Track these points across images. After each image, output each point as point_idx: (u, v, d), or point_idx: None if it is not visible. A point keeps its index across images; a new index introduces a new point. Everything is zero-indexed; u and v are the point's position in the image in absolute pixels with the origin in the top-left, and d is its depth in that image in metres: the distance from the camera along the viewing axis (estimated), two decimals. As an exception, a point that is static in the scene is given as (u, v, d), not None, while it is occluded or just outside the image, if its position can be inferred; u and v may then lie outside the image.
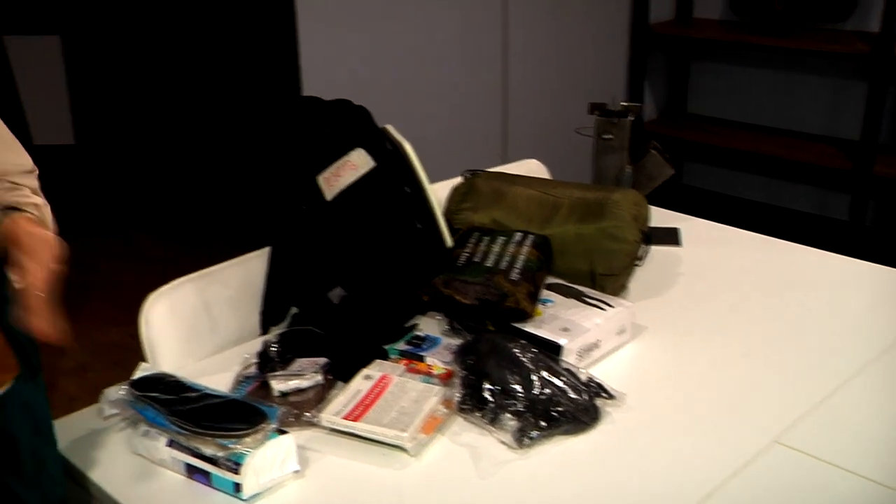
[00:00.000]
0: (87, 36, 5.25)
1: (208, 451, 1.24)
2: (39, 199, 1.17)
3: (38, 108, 5.14)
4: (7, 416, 1.13)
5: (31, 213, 1.14)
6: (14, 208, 1.14)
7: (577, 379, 1.41)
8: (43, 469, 1.19)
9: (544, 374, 1.38)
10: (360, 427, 1.33)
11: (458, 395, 1.39)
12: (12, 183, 1.16)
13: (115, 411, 1.37)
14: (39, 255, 1.06)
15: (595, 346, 1.55)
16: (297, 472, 1.27)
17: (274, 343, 1.53)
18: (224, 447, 1.23)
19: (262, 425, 1.25)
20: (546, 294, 1.66)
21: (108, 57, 5.29)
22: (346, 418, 1.34)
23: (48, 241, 1.08)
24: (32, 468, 1.16)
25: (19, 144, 1.20)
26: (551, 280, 1.72)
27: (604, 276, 1.74)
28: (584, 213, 1.77)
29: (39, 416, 1.20)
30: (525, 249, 1.68)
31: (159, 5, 5.00)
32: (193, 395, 1.34)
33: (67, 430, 1.36)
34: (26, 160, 1.20)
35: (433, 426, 1.35)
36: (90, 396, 1.40)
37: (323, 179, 1.69)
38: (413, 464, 1.30)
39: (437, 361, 1.53)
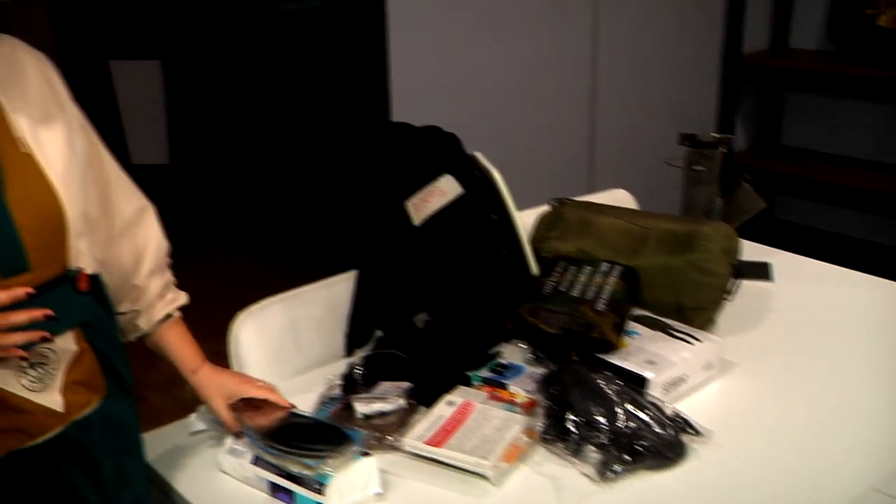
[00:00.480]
0: (185, 61, 5.46)
1: (295, 469, 1.26)
2: (165, 279, 1.34)
3: (137, 129, 5.36)
4: (91, 434, 1.16)
5: (175, 315, 1.35)
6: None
7: (663, 413, 1.39)
8: (127, 486, 1.22)
9: (629, 406, 1.37)
10: (441, 453, 1.34)
11: (540, 424, 1.38)
12: (137, 285, 1.29)
13: (202, 427, 1.41)
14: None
15: (681, 380, 1.53)
16: (378, 494, 1.29)
17: (358, 366, 1.56)
18: (309, 467, 1.25)
19: (348, 447, 1.27)
20: (632, 326, 1.64)
21: (204, 81, 5.49)
22: (428, 443, 1.35)
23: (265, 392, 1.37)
24: (114, 484, 1.19)
25: (130, 184, 1.31)
26: (638, 312, 1.71)
27: (692, 310, 1.72)
28: (672, 245, 1.76)
29: (129, 435, 1.24)
30: (612, 280, 1.67)
31: (254, 33, 5.17)
32: (284, 416, 1.36)
33: (155, 443, 1.41)
34: (139, 200, 1.31)
35: (515, 455, 1.35)
36: (176, 411, 1.45)
37: (411, 205, 1.72)
38: (494, 492, 1.30)
39: (520, 390, 1.52)
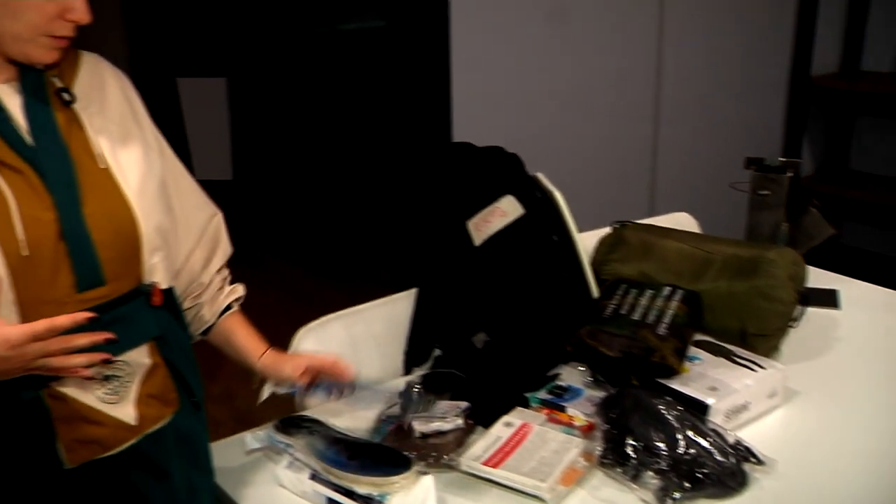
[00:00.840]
0: (250, 78, 5.57)
1: (362, 490, 1.27)
2: (224, 274, 1.39)
3: (201, 145, 5.49)
4: (163, 449, 1.17)
5: (235, 307, 1.40)
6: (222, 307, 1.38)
7: (725, 441, 1.38)
8: (196, 499, 1.24)
9: (690, 433, 1.36)
10: (499, 474, 1.34)
11: (599, 448, 1.38)
12: (201, 283, 1.34)
13: (257, 445, 1.44)
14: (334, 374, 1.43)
15: (744, 407, 1.51)
16: (437, 514, 1.30)
17: (417, 384, 1.57)
18: (376, 485, 1.26)
19: (413, 469, 1.29)
20: (694, 351, 1.63)
21: (268, 98, 5.60)
22: (485, 464, 1.35)
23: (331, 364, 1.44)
24: (185, 498, 1.21)
25: (201, 193, 1.36)
26: (700, 337, 1.69)
27: (755, 336, 1.70)
28: (737, 271, 1.74)
29: (198, 449, 1.26)
30: (674, 304, 1.66)
31: (318, 51, 5.25)
32: (338, 435, 1.39)
33: (213, 456, 1.40)
34: (209, 208, 1.36)
35: (573, 478, 1.35)
36: (235, 423, 1.48)
37: (472, 225, 1.73)
38: (551, 515, 1.30)
39: (578, 413, 1.52)
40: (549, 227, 1.78)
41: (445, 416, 1.47)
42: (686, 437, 1.35)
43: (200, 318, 1.37)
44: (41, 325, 0.99)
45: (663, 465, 1.33)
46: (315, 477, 1.32)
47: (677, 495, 1.29)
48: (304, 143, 5.55)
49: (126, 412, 1.12)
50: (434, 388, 1.58)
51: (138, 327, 1.13)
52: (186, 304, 1.34)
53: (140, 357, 1.14)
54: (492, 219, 1.74)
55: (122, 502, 1.14)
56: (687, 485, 1.31)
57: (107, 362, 1.07)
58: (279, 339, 1.67)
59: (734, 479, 1.33)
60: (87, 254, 1.06)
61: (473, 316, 1.76)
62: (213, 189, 1.35)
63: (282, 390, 1.46)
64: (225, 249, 1.38)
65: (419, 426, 1.46)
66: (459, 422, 1.47)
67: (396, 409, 1.54)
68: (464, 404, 1.51)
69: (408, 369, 1.76)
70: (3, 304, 1.02)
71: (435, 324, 1.77)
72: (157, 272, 1.15)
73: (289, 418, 1.45)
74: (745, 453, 1.37)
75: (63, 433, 1.08)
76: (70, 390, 1.08)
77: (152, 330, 1.16)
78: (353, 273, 4.33)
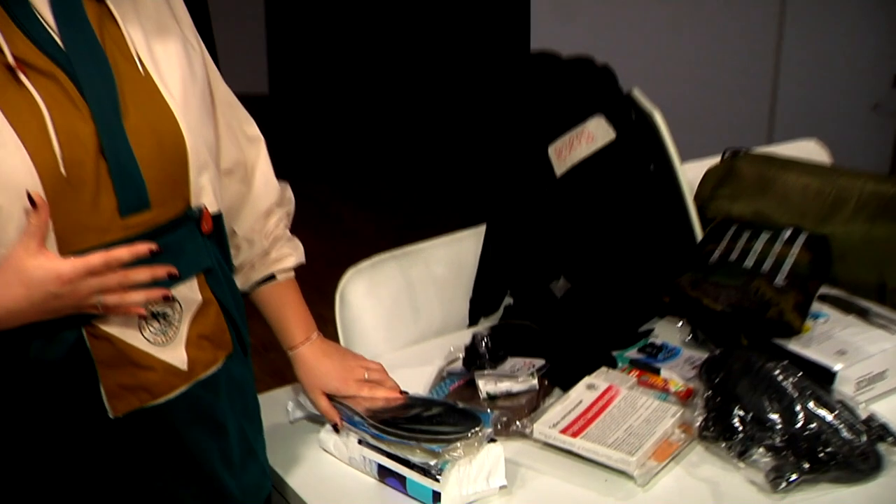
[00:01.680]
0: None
1: (416, 458, 1.28)
2: (274, 231, 1.35)
3: (232, 55, 5.51)
4: (218, 397, 1.18)
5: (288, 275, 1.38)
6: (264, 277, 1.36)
7: (854, 415, 1.36)
8: (252, 458, 1.27)
9: (811, 405, 1.34)
10: (579, 445, 1.35)
11: (699, 418, 1.38)
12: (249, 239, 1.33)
13: (302, 415, 1.46)
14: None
15: (880, 376, 1.49)
16: (503, 487, 1.31)
17: (484, 337, 1.58)
18: (433, 453, 1.27)
19: (477, 430, 1.28)
20: (818, 307, 1.61)
21: (310, 5, 5.57)
22: (563, 432, 1.36)
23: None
24: (241, 456, 1.24)
25: (244, 111, 1.34)
26: (826, 291, 1.67)
27: (897, 292, 1.67)
28: (877, 211, 1.71)
29: (250, 399, 1.28)
30: (795, 250, 1.64)
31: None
32: (392, 396, 1.39)
33: None
34: (252, 129, 1.34)
35: (667, 453, 1.34)
36: (271, 378, 1.50)
37: (553, 150, 1.72)
38: (639, 495, 1.30)
39: (675, 376, 1.52)
40: (646, 155, 1.76)
41: (517, 376, 1.48)
42: (806, 410, 1.34)
43: (247, 280, 1.36)
44: (97, 258, 1.00)
45: (777, 441, 1.32)
46: (364, 441, 1.34)
47: (794, 477, 1.28)
48: (354, 51, 5.51)
49: (176, 355, 1.14)
50: (504, 342, 1.59)
51: (188, 258, 1.13)
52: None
53: (191, 292, 1.15)
54: (577, 144, 1.73)
55: (171, 459, 1.16)
56: (806, 465, 1.29)
57: (166, 299, 1.09)
58: (323, 283, 1.68)
59: (865, 462, 1.31)
60: (130, 173, 1.06)
61: (553, 259, 1.75)
62: (247, 103, 1.34)
63: (302, 414, 1.45)
64: (269, 184, 1.34)
65: (486, 386, 1.47)
66: (533, 382, 1.47)
67: (459, 366, 1.56)
68: (539, 362, 1.51)
69: (474, 320, 1.77)
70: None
71: (507, 267, 1.77)
72: (205, 194, 1.16)
73: None
74: (879, 431, 1.35)
75: (106, 378, 1.09)
76: (114, 330, 1.09)
77: (204, 261, 1.17)
78: (412, 206, 4.31)
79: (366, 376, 1.40)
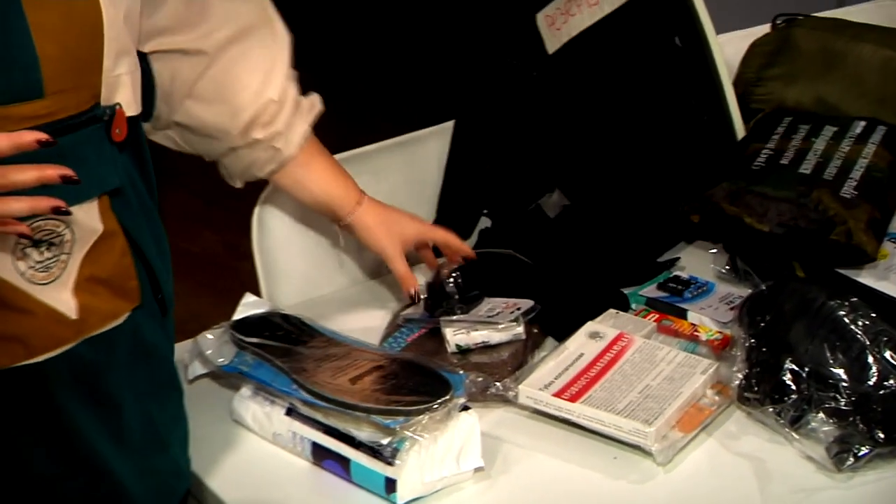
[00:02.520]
0: None
1: (363, 435, 1.28)
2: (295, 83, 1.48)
3: None
4: (112, 364, 1.17)
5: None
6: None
7: (944, 369, 1.36)
8: (161, 451, 1.25)
9: (889, 355, 1.34)
10: (579, 411, 1.34)
11: (740, 375, 1.37)
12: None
13: (205, 371, 1.45)
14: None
15: (979, 317, 1.49)
16: (479, 470, 1.30)
17: (452, 272, 1.56)
18: (385, 429, 1.27)
19: (446, 399, 1.28)
20: (900, 225, 1.61)
21: None
22: (557, 395, 1.36)
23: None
24: (142, 446, 1.23)
25: None
26: (910, 203, 1.67)
27: None
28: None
29: (162, 374, 1.26)
30: (870, 150, 1.64)
31: None
32: (333, 348, 1.39)
33: None
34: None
35: (696, 421, 1.35)
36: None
37: (544, 19, 1.70)
38: (659, 476, 1.30)
39: (707, 320, 1.52)
40: (670, 25, 1.76)
41: (497, 322, 1.48)
42: (881, 362, 1.34)
43: (275, 154, 1.47)
44: None
45: (843, 405, 1.32)
46: (294, 411, 1.34)
47: (864, 451, 1.29)
48: None
49: (61, 298, 1.12)
50: (480, 278, 1.58)
51: (90, 171, 1.10)
52: (257, 135, 1.44)
53: (88, 218, 1.13)
54: (575, 10, 1.71)
55: (48, 443, 1.15)
56: (881, 436, 1.29)
57: (60, 213, 1.05)
58: (233, 206, 1.66)
59: (957, 428, 1.32)
60: (18, 44, 1.04)
61: (543, 166, 1.75)
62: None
63: (204, 369, 1.45)
64: (286, 42, 1.46)
65: (455, 336, 1.47)
66: (519, 330, 1.47)
67: (420, 311, 1.55)
68: (526, 304, 1.50)
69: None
70: None
71: (483, 178, 1.77)
72: (121, 89, 1.14)
73: (252, 318, 1.46)
74: (976, 388, 1.36)
75: None
76: None
77: (110, 178, 1.15)
78: (353, 99, 4.30)
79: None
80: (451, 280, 1.55)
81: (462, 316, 1.50)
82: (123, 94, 1.14)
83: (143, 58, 1.29)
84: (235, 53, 1.40)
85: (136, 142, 1.19)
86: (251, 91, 1.42)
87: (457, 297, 1.53)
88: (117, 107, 1.13)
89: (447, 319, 1.49)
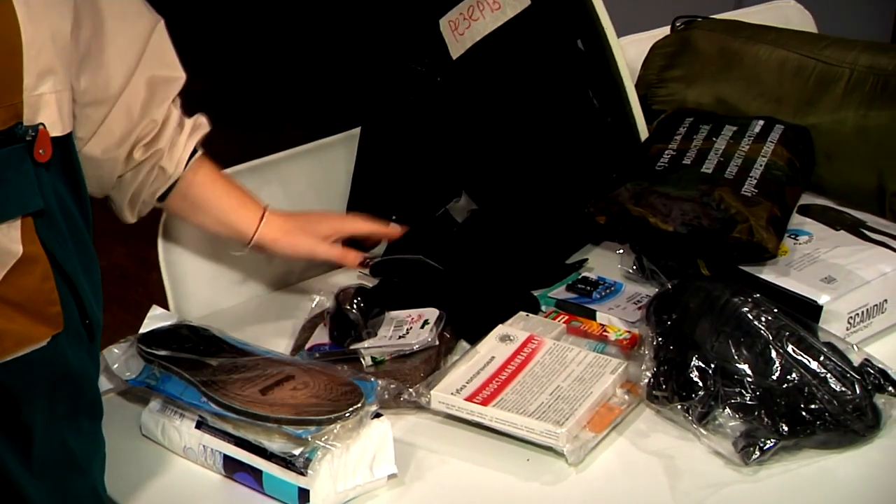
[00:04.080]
0: None
1: (274, 446, 1.27)
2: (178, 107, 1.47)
3: None
4: (30, 387, 1.14)
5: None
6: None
7: (846, 361, 1.38)
8: (79, 475, 1.22)
9: (791, 349, 1.36)
10: (491, 415, 1.34)
11: (648, 374, 1.38)
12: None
13: (111, 386, 1.43)
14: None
15: (878, 309, 1.51)
16: (393, 476, 1.30)
17: (352, 297, 1.55)
18: (297, 439, 1.26)
19: (357, 407, 1.27)
20: (799, 222, 1.63)
21: None
22: (469, 400, 1.36)
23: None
24: (57, 468, 1.20)
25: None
26: (810, 200, 1.69)
27: (900, 197, 1.69)
28: (874, 92, 1.72)
29: (85, 397, 1.23)
30: (769, 148, 1.65)
31: None
32: (241, 359, 1.38)
33: None
34: (150, 14, 1.41)
35: (607, 421, 1.35)
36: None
37: (447, 24, 1.70)
38: (571, 476, 1.31)
39: (615, 320, 1.53)
40: (571, 27, 1.76)
41: (407, 329, 1.48)
42: (784, 356, 1.35)
43: (160, 175, 1.45)
44: None
45: (749, 399, 1.33)
46: (204, 424, 1.33)
47: (770, 444, 1.30)
48: None
49: None
50: (389, 287, 1.58)
51: (9, 192, 1.09)
52: (139, 157, 1.42)
53: (7, 240, 1.11)
54: (479, 14, 1.71)
55: None
56: (785, 428, 1.31)
57: None
58: (143, 219, 1.65)
59: (860, 419, 1.33)
60: None
61: (450, 171, 1.75)
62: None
63: (110, 385, 1.43)
64: (175, 69, 1.44)
65: (367, 346, 1.46)
66: (428, 337, 1.47)
67: (324, 338, 1.53)
68: (432, 312, 1.51)
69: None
70: None
71: (390, 184, 1.76)
72: (45, 108, 1.12)
73: (159, 331, 1.44)
74: (876, 380, 1.37)
75: None
76: None
77: (33, 199, 1.12)
78: (261, 110, 4.28)
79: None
80: (353, 306, 1.54)
81: (373, 342, 1.48)
82: (48, 113, 1.12)
83: None
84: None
85: (66, 161, 1.17)
86: (133, 120, 1.40)
87: (362, 322, 1.52)
88: (41, 126, 1.11)
89: (358, 347, 1.48)
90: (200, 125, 1.49)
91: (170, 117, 1.44)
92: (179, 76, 1.45)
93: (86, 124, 1.35)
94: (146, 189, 1.44)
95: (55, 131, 1.13)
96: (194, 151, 1.48)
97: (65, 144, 1.16)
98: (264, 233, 1.51)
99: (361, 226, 1.60)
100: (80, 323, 1.19)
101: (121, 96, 1.37)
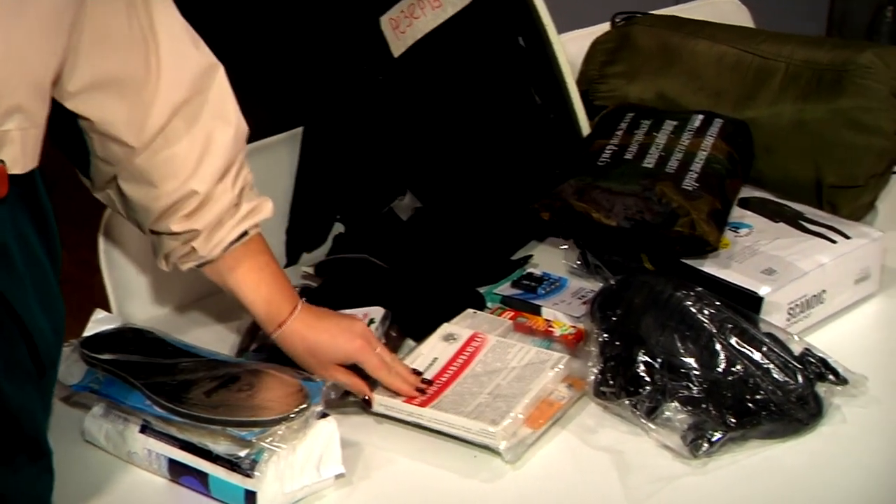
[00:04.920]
0: None
1: (220, 448, 1.26)
2: (241, 179, 1.37)
3: None
4: None
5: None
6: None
7: (788, 351, 1.39)
8: None
9: (735, 341, 1.36)
10: (429, 416, 1.34)
11: (594, 369, 1.38)
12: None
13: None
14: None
15: (817, 299, 1.53)
16: (340, 476, 1.29)
17: (308, 279, 1.56)
18: (242, 441, 1.25)
19: (303, 407, 1.26)
20: (740, 215, 1.64)
21: None
22: (410, 402, 1.36)
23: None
24: None
25: (185, 35, 1.32)
26: (749, 192, 1.70)
27: (838, 190, 1.71)
28: (810, 86, 1.74)
29: (23, 436, 1.17)
30: (708, 142, 1.66)
31: None
32: (186, 361, 1.37)
33: None
34: (203, 58, 1.33)
35: (546, 416, 1.35)
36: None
37: (388, 22, 1.70)
38: (509, 474, 1.31)
39: (560, 315, 1.53)
40: (512, 24, 1.75)
41: (352, 329, 1.46)
42: (728, 349, 1.36)
43: (190, 255, 1.36)
44: None
45: (695, 392, 1.34)
46: (148, 428, 1.31)
47: (717, 436, 1.30)
48: None
49: None
50: (335, 285, 1.57)
51: None
52: (175, 227, 1.33)
53: None
54: (420, 12, 1.71)
55: None
56: (731, 420, 1.32)
57: None
58: (86, 223, 1.62)
59: (803, 409, 1.34)
60: None
61: (394, 169, 1.75)
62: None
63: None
64: (238, 127, 1.36)
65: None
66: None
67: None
68: (378, 311, 1.50)
69: (293, 257, 1.75)
70: None
71: (334, 184, 1.75)
72: (9, 145, 1.09)
73: (103, 335, 1.42)
74: (819, 369, 1.39)
75: None
76: None
77: None
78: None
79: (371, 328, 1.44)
80: (308, 289, 1.54)
81: None
82: (10, 150, 1.09)
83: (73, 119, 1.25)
84: (169, 133, 1.30)
85: (31, 198, 1.14)
86: (178, 179, 1.30)
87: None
88: (0, 163, 1.09)
89: None
90: (259, 210, 1.38)
91: (218, 193, 1.33)
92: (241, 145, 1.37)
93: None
94: (177, 256, 1.36)
95: (15, 168, 1.10)
96: (241, 236, 1.36)
97: (28, 181, 1.13)
98: (286, 333, 1.39)
99: (375, 370, 1.40)
100: (27, 359, 1.15)
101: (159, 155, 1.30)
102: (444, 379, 1.39)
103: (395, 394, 1.37)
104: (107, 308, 1.54)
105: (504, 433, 1.30)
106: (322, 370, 1.38)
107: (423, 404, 1.35)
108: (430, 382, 1.39)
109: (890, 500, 1.26)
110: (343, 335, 1.39)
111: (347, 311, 1.51)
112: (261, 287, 1.38)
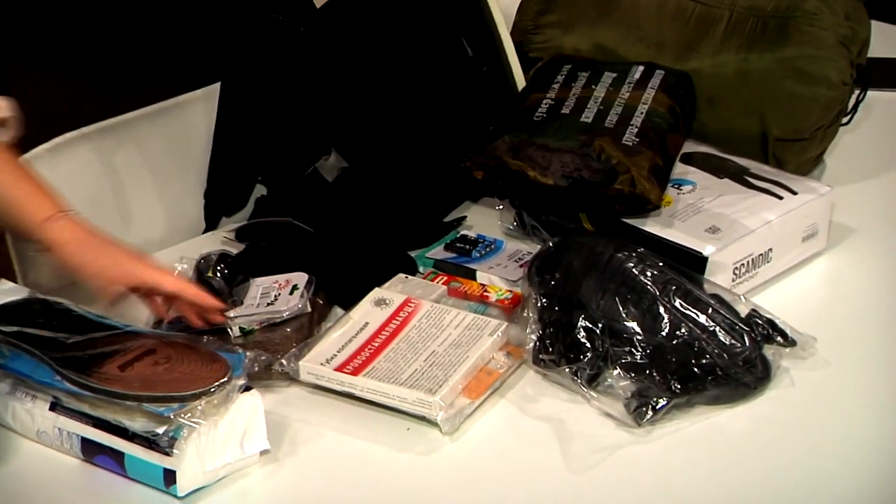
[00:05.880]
0: None
1: (136, 425, 1.25)
2: None
3: None
4: None
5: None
6: None
7: (734, 313, 1.39)
8: None
9: (679, 304, 1.37)
10: (361, 385, 1.34)
11: (532, 336, 1.38)
12: None
13: None
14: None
15: (763, 258, 1.53)
16: (265, 453, 1.29)
17: (215, 264, 1.54)
18: (160, 417, 1.23)
19: (223, 381, 1.25)
20: (682, 171, 1.64)
21: None
22: (339, 370, 1.35)
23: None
24: None
25: None
26: (692, 147, 1.70)
27: (784, 143, 1.72)
28: (754, 34, 1.74)
29: None
30: (649, 95, 1.65)
31: None
32: (98, 334, 1.34)
33: None
34: None
35: (485, 386, 1.35)
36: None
37: (309, -30, 1.68)
38: (446, 447, 1.31)
39: (496, 279, 1.53)
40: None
41: (275, 296, 1.47)
42: (672, 312, 1.36)
43: None
44: None
45: (638, 358, 1.34)
46: (59, 405, 1.29)
47: (662, 403, 1.31)
48: None
49: None
50: (257, 252, 1.58)
51: None
52: None
53: None
54: (342, -42, 1.69)
55: None
56: (677, 386, 1.32)
57: None
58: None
59: (750, 372, 1.35)
60: None
61: (317, 127, 1.73)
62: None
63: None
64: None
65: (235, 316, 1.45)
66: (298, 304, 1.45)
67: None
68: (301, 276, 1.49)
69: (212, 222, 1.75)
70: None
71: (254, 143, 1.74)
72: None
73: (8, 306, 1.40)
74: (764, 330, 1.39)
75: None
76: None
77: None
78: (102, 63, 4.20)
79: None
80: (217, 274, 1.53)
81: (240, 310, 1.47)
82: None
83: None
84: None
85: None
86: None
87: (227, 290, 1.51)
88: None
89: (227, 317, 1.45)
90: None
91: None
92: None
93: None
94: None
95: None
96: None
97: None
98: (53, 231, 1.36)
99: (174, 285, 1.40)
100: None
101: None
102: (375, 344, 1.39)
103: (325, 361, 1.36)
104: (11, 278, 1.53)
105: (442, 403, 1.30)
106: (91, 272, 1.36)
107: (354, 372, 1.34)
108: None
109: (840, 466, 1.27)
110: (129, 252, 1.39)
111: (269, 278, 1.51)
112: (24, 183, 1.38)
